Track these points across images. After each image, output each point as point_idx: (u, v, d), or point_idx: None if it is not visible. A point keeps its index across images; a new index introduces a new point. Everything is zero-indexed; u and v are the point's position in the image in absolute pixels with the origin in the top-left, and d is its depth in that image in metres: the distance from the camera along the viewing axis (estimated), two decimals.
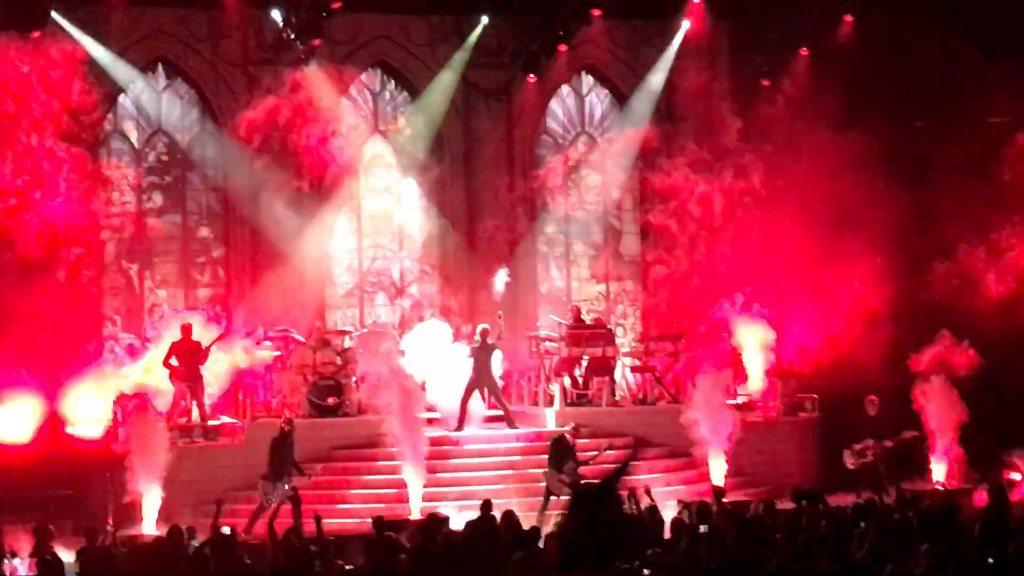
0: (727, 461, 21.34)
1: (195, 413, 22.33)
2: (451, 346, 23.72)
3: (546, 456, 20.70)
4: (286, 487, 19.73)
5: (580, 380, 24.18)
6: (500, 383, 23.55)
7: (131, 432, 20.40)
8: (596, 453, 20.44)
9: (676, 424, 21.81)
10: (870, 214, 24.00)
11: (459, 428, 22.93)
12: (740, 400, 23.66)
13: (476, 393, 23.20)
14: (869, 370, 22.97)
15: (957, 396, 21.95)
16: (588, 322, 25.16)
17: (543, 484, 20.38)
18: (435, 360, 23.45)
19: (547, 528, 16.24)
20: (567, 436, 20.72)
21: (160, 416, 21.22)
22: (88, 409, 21.93)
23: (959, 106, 24.72)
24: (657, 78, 26.82)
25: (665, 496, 19.71)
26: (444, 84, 26.28)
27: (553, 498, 19.96)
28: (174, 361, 22.05)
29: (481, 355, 23.01)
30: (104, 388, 22.04)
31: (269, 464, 20.00)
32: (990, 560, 12.66)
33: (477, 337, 23.20)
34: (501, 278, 24.75)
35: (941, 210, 24.09)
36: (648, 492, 17.44)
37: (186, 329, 22.44)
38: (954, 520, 14.88)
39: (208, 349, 22.17)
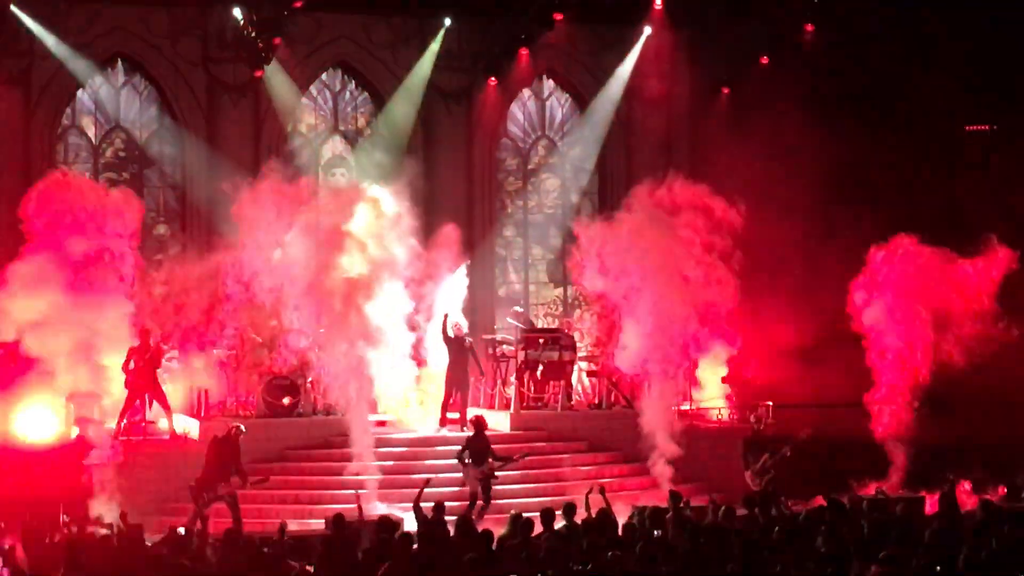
0: (675, 466, 21.34)
1: (149, 415, 22.25)
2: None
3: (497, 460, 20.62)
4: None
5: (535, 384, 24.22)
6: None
7: (83, 433, 20.30)
8: (518, 457, 20.58)
9: (631, 429, 21.88)
10: (839, 225, 24.15)
11: (442, 425, 22.99)
12: (694, 406, 23.75)
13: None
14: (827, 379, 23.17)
15: (907, 405, 22.15)
16: (537, 326, 25.24)
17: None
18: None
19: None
20: (482, 431, 20.72)
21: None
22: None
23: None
24: (617, 83, 26.93)
25: (619, 500, 19.75)
26: (407, 87, 26.30)
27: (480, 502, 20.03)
28: (131, 366, 21.96)
29: (457, 350, 22.94)
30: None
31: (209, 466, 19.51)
32: (938, 568, 12.77)
33: (450, 331, 23.07)
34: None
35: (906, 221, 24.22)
36: (603, 493, 17.45)
37: (144, 333, 22.37)
38: (906, 527, 15.02)
39: (161, 352, 22.12)
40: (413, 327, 22.87)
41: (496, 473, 20.14)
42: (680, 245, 21.24)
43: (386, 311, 21.49)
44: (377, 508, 19.63)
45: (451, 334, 23.02)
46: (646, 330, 21.19)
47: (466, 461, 20.14)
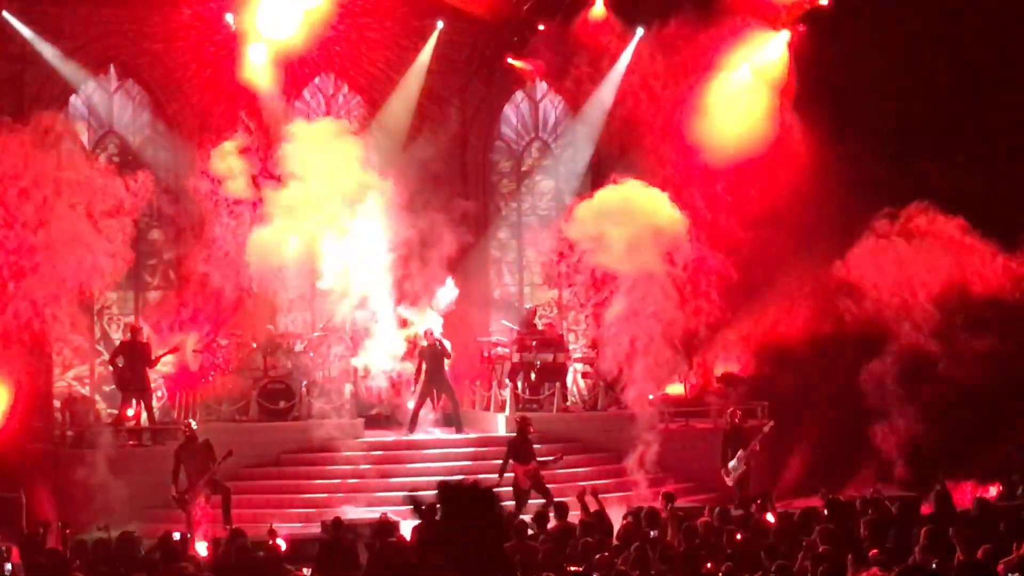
0: (649, 467, 21.30)
1: (143, 417, 22.25)
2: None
3: (497, 461, 20.61)
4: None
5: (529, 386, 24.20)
6: None
7: (76, 433, 20.30)
8: (551, 459, 20.57)
9: (625, 431, 21.88)
10: (832, 221, 24.05)
11: (411, 431, 22.98)
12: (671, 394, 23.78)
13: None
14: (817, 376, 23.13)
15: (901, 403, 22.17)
16: (539, 327, 25.21)
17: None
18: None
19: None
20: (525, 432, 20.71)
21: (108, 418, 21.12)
22: None
23: None
24: (611, 84, 26.89)
25: (614, 501, 19.75)
26: (400, 90, 26.28)
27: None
28: (120, 362, 21.99)
29: (431, 357, 22.97)
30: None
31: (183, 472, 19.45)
32: (934, 567, 12.78)
33: (424, 341, 23.11)
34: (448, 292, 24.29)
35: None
36: (596, 495, 17.45)
37: (135, 331, 22.35)
38: (902, 527, 15.04)
39: (158, 359, 22.17)
40: (404, 301, 22.94)
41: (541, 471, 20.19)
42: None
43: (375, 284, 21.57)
44: (347, 512, 19.64)
45: (424, 343, 23.01)
46: (626, 328, 21.23)
47: (511, 462, 20.11)
